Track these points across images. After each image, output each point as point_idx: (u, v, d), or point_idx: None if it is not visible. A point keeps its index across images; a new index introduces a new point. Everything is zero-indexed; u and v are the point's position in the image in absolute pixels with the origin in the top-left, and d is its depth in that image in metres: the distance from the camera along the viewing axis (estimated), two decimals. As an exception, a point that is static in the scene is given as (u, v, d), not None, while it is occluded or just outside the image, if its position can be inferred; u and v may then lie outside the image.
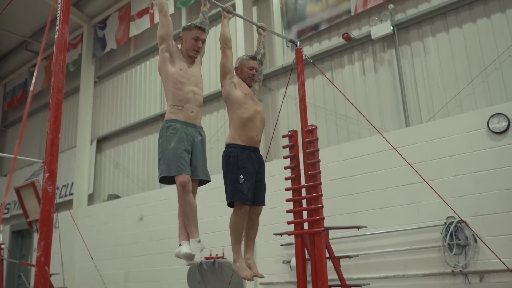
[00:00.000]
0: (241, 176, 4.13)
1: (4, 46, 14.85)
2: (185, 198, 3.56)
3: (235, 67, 4.53)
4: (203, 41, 4.01)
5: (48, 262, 2.64)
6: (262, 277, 4.31)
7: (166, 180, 3.68)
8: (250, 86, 4.51)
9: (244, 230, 4.39)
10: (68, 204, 10.49)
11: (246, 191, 4.12)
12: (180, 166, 3.56)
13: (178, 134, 3.65)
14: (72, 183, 11.57)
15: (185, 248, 3.53)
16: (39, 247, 2.64)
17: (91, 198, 11.26)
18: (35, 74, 3.35)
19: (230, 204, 4.24)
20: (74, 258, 10.55)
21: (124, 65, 11.40)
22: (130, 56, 11.20)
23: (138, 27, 10.63)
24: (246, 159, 4.20)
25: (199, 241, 3.60)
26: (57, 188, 11.42)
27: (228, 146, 4.29)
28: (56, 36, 2.98)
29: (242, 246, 4.35)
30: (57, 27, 2.99)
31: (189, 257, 3.51)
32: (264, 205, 4.46)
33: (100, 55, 11.74)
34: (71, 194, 11.52)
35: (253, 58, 4.57)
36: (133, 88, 11.06)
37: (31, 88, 3.04)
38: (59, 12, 3.02)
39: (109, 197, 10.63)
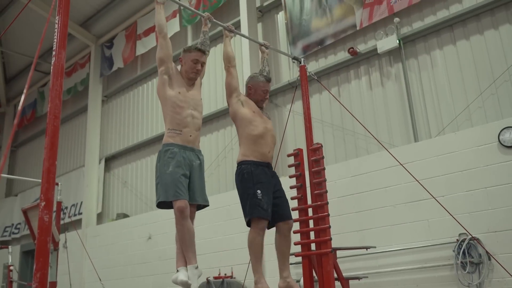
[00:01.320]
0: (259, 191, 3.99)
1: (14, 67, 15.01)
2: (183, 224, 3.50)
3: (249, 86, 4.45)
4: (203, 64, 3.97)
5: (45, 293, 2.57)
6: None
7: (163, 205, 3.61)
8: (261, 108, 4.45)
9: (277, 248, 4.28)
10: (77, 224, 10.47)
11: (265, 206, 3.98)
12: (178, 191, 3.49)
13: (176, 159, 3.59)
14: (81, 203, 11.56)
15: (182, 276, 3.45)
16: (35, 278, 2.56)
17: (100, 217, 11.23)
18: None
19: (249, 223, 4.08)
20: (83, 278, 10.48)
21: (131, 84, 11.44)
22: (137, 74, 11.24)
23: (144, 45, 10.68)
24: (261, 174, 4.08)
25: (196, 267, 3.52)
26: (66, 207, 11.40)
27: (240, 163, 4.17)
28: (52, 62, 2.94)
29: (272, 265, 4.24)
30: (53, 52, 2.95)
31: (185, 285, 3.43)
32: (291, 219, 4.30)
33: (107, 74, 11.80)
34: (80, 213, 11.50)
35: (269, 80, 4.51)
36: (140, 107, 11.07)
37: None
38: (55, 36, 2.98)
39: (117, 216, 10.60)
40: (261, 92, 4.40)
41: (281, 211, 4.20)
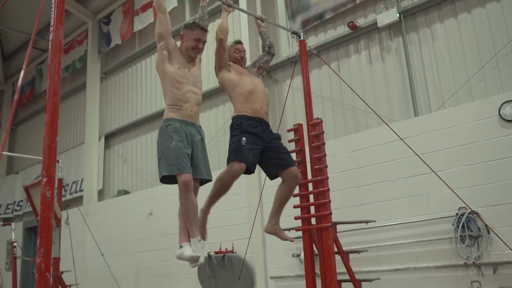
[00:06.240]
0: (244, 138, 4.06)
1: (11, 45, 14.87)
2: (187, 198, 3.51)
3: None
4: (204, 42, 3.92)
5: (49, 268, 2.59)
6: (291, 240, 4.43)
7: (167, 179, 3.62)
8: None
9: (277, 195, 4.33)
10: (78, 201, 10.53)
11: (246, 152, 4.01)
12: (182, 165, 3.50)
13: (179, 133, 3.59)
14: (82, 180, 11.61)
15: (188, 251, 3.48)
16: (39, 253, 2.59)
17: (101, 194, 11.29)
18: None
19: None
20: (86, 254, 10.60)
21: (130, 60, 11.35)
22: (135, 51, 11.14)
23: (142, 21, 10.55)
24: (250, 126, 4.12)
25: (200, 240, 3.55)
26: (67, 184, 11.45)
27: (234, 118, 4.24)
28: (50, 37, 2.91)
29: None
30: (51, 28, 2.92)
31: (195, 259, 3.45)
32: (296, 165, 4.35)
33: (105, 51, 11.70)
34: (81, 190, 11.56)
35: (239, 42, 4.63)
36: (139, 83, 11.01)
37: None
38: (53, 12, 2.94)
39: (118, 192, 10.65)
40: (232, 54, 4.50)
41: (282, 159, 4.24)
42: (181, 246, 3.56)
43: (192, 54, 3.87)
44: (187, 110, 3.69)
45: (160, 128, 3.70)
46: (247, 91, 4.22)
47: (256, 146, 4.09)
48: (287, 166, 4.24)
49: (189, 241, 3.56)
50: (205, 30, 3.93)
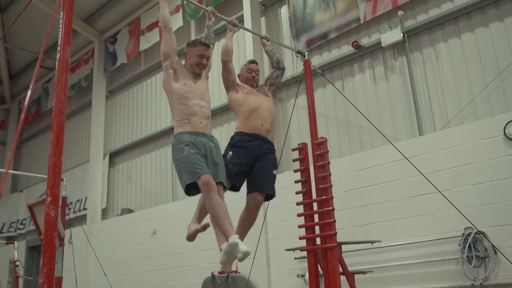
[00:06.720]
0: (230, 152, 4.09)
1: (18, 64, 15.01)
2: (212, 197, 3.44)
3: (238, 74, 4.57)
4: (208, 58, 3.95)
5: (52, 288, 2.57)
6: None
7: (191, 189, 3.57)
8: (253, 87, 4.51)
9: (240, 219, 4.24)
10: (82, 219, 10.49)
11: (230, 166, 3.98)
12: (197, 168, 3.47)
13: (187, 142, 3.59)
14: (86, 198, 11.59)
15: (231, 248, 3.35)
16: (42, 273, 2.56)
17: (104, 213, 11.26)
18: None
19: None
20: (89, 273, 10.52)
21: (135, 79, 11.43)
22: (140, 70, 11.23)
23: (148, 41, 10.66)
24: (241, 141, 4.14)
25: (238, 237, 3.42)
26: (71, 203, 11.43)
27: (233, 135, 4.27)
28: (57, 57, 2.94)
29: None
30: (58, 47, 2.95)
31: (245, 253, 3.30)
32: (273, 195, 4.24)
33: (111, 69, 11.80)
34: (85, 209, 11.53)
35: (252, 62, 4.65)
36: (144, 102, 11.07)
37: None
38: (60, 31, 2.97)
39: (122, 211, 10.62)
40: (245, 73, 4.55)
41: (258, 184, 4.15)
42: (221, 250, 3.43)
43: (197, 70, 3.91)
44: (195, 122, 3.70)
45: (172, 145, 3.72)
46: (250, 110, 4.25)
47: (243, 160, 4.08)
48: (256, 189, 4.15)
49: (227, 242, 3.47)
50: (207, 46, 3.96)
